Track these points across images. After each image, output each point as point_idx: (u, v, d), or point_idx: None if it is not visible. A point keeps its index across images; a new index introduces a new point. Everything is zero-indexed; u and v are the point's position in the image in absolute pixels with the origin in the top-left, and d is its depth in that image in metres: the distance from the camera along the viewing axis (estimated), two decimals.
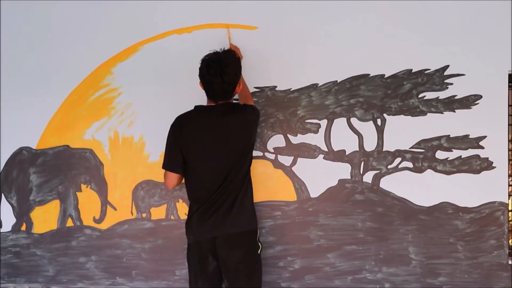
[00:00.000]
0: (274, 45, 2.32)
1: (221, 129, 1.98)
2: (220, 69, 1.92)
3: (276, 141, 2.32)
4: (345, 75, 2.29)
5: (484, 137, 2.22)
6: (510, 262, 2.22)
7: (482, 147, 2.22)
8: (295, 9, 2.30)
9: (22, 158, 2.46)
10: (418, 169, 2.25)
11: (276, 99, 2.32)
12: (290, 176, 2.31)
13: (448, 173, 2.24)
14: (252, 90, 2.32)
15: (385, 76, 2.27)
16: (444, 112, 2.24)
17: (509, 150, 2.25)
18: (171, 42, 2.37)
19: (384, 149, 2.27)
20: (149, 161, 2.38)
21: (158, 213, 2.39)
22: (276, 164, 2.31)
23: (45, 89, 2.44)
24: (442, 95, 2.24)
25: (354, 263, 2.28)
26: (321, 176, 2.29)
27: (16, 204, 2.47)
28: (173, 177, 2.06)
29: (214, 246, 1.99)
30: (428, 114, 2.25)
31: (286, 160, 2.32)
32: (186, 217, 2.33)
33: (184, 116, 2.05)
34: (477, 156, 2.22)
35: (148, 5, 2.38)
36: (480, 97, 2.22)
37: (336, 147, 2.29)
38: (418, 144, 2.26)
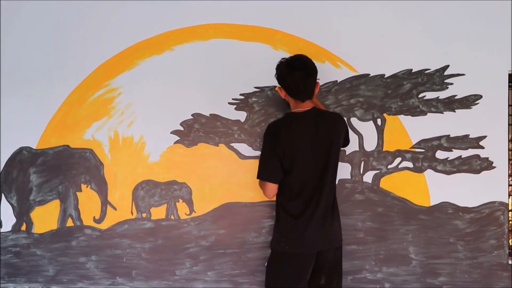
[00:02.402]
0: (274, 45, 2.32)
1: (317, 134, 1.94)
2: (304, 64, 1.94)
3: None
4: (345, 75, 2.29)
5: (484, 137, 2.22)
6: (510, 262, 2.22)
7: (482, 147, 2.22)
8: (296, 9, 2.30)
9: (22, 158, 2.46)
10: (418, 169, 2.26)
11: (276, 99, 2.32)
12: None
13: (448, 173, 2.24)
14: (252, 90, 2.32)
15: (385, 76, 2.27)
16: (444, 112, 2.24)
17: (509, 150, 2.26)
18: (171, 42, 2.37)
19: (384, 149, 2.27)
20: (149, 161, 2.38)
21: (158, 213, 2.39)
22: None
23: (45, 89, 2.44)
24: (442, 95, 2.24)
25: (354, 263, 2.28)
26: None
27: (16, 204, 2.47)
28: (273, 187, 1.98)
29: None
30: (428, 114, 2.25)
31: None
32: (186, 216, 2.35)
33: (279, 124, 2.00)
34: (477, 156, 2.23)
35: (148, 5, 2.38)
36: (480, 97, 2.22)
37: None
38: (418, 144, 2.26)
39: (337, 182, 2.27)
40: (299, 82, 1.93)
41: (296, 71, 1.93)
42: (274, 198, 2.05)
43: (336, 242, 2.02)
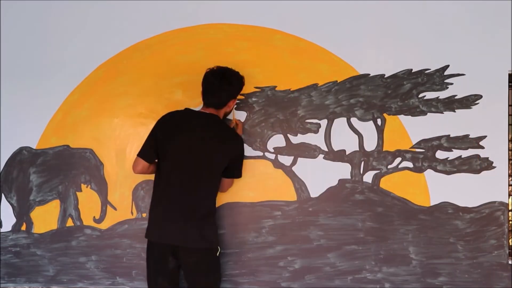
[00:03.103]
0: (274, 44, 2.32)
1: (203, 138, 2.05)
2: (225, 76, 2.08)
3: (276, 141, 2.32)
4: (345, 75, 2.29)
5: (484, 137, 2.22)
6: (510, 262, 2.22)
7: (482, 147, 2.22)
8: (296, 9, 2.30)
9: (22, 158, 2.46)
10: (418, 169, 2.25)
11: (276, 99, 2.32)
12: (290, 176, 2.31)
13: (448, 173, 2.24)
14: (252, 90, 2.32)
15: (385, 76, 2.27)
16: (444, 112, 2.24)
17: (509, 150, 2.25)
18: (171, 42, 2.37)
19: (384, 149, 2.27)
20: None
21: None
22: (276, 164, 2.31)
23: (45, 89, 2.44)
24: (442, 95, 2.24)
25: (354, 263, 2.28)
26: (321, 176, 2.29)
27: (16, 204, 2.47)
28: (142, 164, 2.08)
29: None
30: (428, 114, 2.25)
31: (286, 160, 2.32)
32: None
33: (172, 113, 2.11)
34: (477, 156, 2.23)
35: (148, 5, 2.38)
36: (480, 97, 2.22)
37: (336, 147, 2.29)
38: (418, 144, 2.26)
39: (337, 182, 2.29)
40: (212, 88, 2.07)
41: (216, 79, 2.06)
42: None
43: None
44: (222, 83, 2.06)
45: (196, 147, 2.03)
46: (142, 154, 2.08)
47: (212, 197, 2.12)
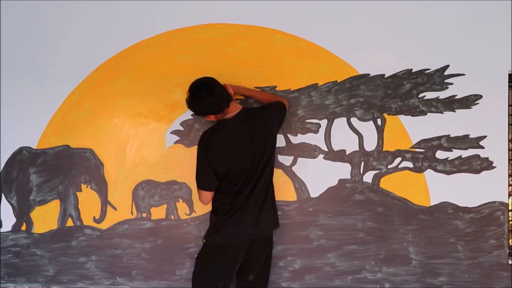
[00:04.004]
0: (274, 44, 2.32)
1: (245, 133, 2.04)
2: (204, 88, 2.02)
3: (276, 141, 2.32)
4: (345, 75, 2.29)
5: (484, 137, 2.22)
6: (510, 262, 2.22)
7: (482, 147, 2.22)
8: (296, 9, 2.30)
9: (22, 158, 2.46)
10: (418, 169, 2.26)
11: None
12: (290, 176, 2.31)
13: (448, 173, 2.24)
14: None
15: (385, 76, 2.27)
16: (444, 112, 2.24)
17: (509, 150, 2.26)
18: (171, 42, 2.37)
19: (384, 149, 2.27)
20: (149, 161, 2.38)
21: (158, 213, 2.39)
22: (276, 164, 2.31)
23: (45, 89, 2.44)
24: (442, 95, 2.24)
25: (354, 263, 2.28)
26: (321, 176, 2.29)
27: (16, 204, 2.47)
28: (209, 194, 2.07)
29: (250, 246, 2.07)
30: (428, 114, 2.25)
31: (286, 160, 2.32)
32: (186, 216, 2.35)
33: (210, 135, 2.06)
34: (477, 156, 2.23)
35: (148, 5, 2.37)
36: (480, 97, 2.22)
37: (336, 147, 2.29)
38: (418, 144, 2.26)
39: (337, 182, 2.29)
40: (207, 100, 2.01)
41: (201, 94, 2.01)
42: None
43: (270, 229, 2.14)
44: (208, 94, 2.01)
45: (251, 149, 2.02)
46: (207, 186, 2.05)
47: (272, 180, 2.15)
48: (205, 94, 2.00)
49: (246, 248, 2.07)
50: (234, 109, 2.08)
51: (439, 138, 2.25)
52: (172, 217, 2.38)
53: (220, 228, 2.05)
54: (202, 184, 2.05)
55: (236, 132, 2.02)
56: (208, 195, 2.06)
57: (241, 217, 2.03)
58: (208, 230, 2.11)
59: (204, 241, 2.10)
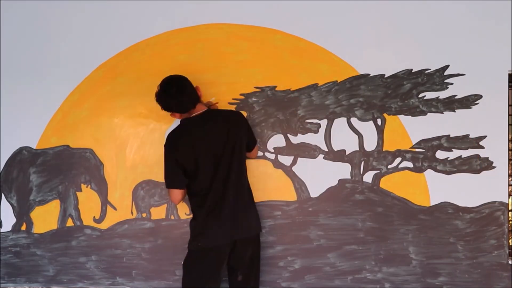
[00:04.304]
0: (274, 44, 2.32)
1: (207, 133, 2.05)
2: (173, 86, 2.04)
3: (276, 141, 2.32)
4: (345, 75, 2.29)
5: (484, 137, 2.22)
6: (510, 262, 2.22)
7: (482, 147, 2.22)
8: (296, 9, 2.30)
9: (22, 158, 2.46)
10: (418, 169, 2.25)
11: (276, 99, 2.32)
12: (290, 176, 2.31)
13: (448, 173, 2.24)
14: (252, 90, 2.32)
15: (385, 76, 2.27)
16: (444, 112, 2.24)
17: (509, 150, 2.26)
18: (171, 42, 2.37)
19: (384, 149, 2.27)
20: (149, 161, 2.38)
21: (158, 213, 2.39)
22: (276, 164, 2.31)
23: (45, 89, 2.44)
24: (442, 95, 2.24)
25: (354, 263, 2.28)
26: (321, 176, 2.29)
27: (16, 204, 2.47)
28: (179, 192, 2.08)
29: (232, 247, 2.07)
30: (428, 114, 2.25)
31: (286, 160, 2.32)
32: (186, 216, 2.35)
33: (176, 133, 2.08)
34: (477, 156, 2.23)
35: (148, 5, 2.37)
36: (480, 97, 2.22)
37: (336, 147, 2.29)
38: (418, 144, 2.26)
39: (337, 182, 2.29)
40: (175, 97, 2.03)
41: (171, 91, 2.02)
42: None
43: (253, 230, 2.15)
44: (177, 92, 2.02)
45: (216, 146, 2.03)
46: (175, 184, 2.06)
47: (247, 180, 2.15)
48: (174, 92, 2.02)
49: (229, 249, 2.07)
50: (200, 109, 2.09)
51: (439, 138, 2.25)
52: (172, 217, 2.38)
53: (199, 233, 2.06)
54: (171, 183, 2.06)
55: (200, 130, 2.04)
56: (178, 193, 2.07)
57: (218, 220, 2.04)
58: (190, 237, 2.10)
59: (188, 248, 2.10)
